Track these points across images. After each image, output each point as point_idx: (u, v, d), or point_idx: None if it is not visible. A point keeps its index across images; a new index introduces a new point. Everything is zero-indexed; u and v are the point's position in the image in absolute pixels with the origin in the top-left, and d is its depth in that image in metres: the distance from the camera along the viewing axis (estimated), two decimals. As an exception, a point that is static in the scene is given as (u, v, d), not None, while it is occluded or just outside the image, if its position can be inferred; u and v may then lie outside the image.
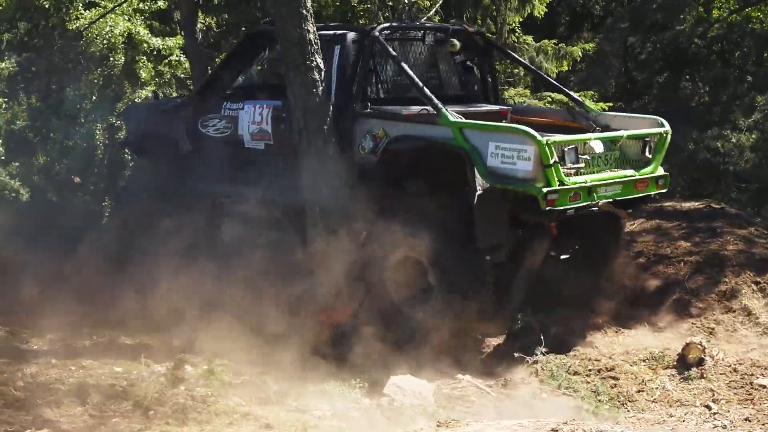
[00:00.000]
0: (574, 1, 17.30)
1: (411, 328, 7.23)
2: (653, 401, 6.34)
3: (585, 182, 6.99)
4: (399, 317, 7.36)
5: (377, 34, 7.69)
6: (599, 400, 6.29)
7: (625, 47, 17.23)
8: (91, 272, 8.54)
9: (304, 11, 7.32)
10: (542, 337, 7.18)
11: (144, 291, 7.87)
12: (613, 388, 6.51)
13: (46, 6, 11.16)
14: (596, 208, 7.22)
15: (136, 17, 11.65)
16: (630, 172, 7.42)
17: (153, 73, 11.24)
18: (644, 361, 6.93)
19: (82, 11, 11.07)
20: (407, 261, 7.40)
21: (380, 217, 7.37)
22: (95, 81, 10.87)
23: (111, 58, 10.73)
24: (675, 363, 6.80)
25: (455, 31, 8.54)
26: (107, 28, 10.71)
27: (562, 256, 8.00)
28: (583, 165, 7.00)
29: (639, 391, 6.47)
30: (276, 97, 8.08)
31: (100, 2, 11.45)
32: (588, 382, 6.59)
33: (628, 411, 6.18)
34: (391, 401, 6.05)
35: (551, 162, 6.72)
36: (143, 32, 11.07)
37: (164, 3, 11.95)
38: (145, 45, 11.06)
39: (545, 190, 6.70)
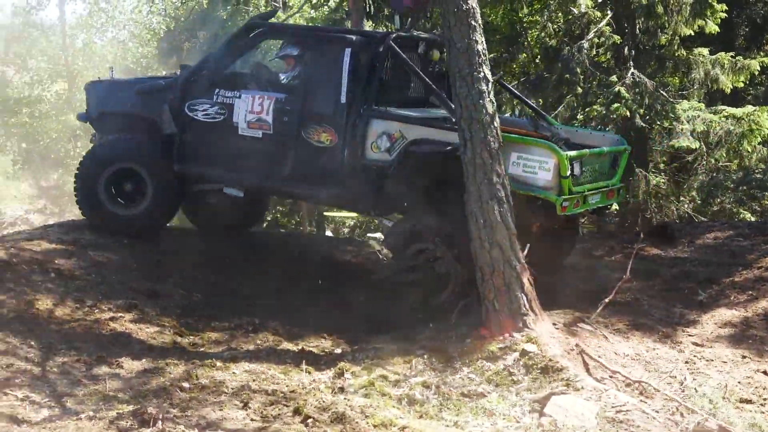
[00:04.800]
0: (755, 12, 16.40)
1: None
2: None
3: (583, 191, 8.03)
4: None
5: (390, 41, 8.44)
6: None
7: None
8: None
9: (473, 22, 7.20)
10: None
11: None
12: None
13: (224, 17, 11.73)
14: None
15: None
16: (604, 183, 8.51)
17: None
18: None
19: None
20: None
21: None
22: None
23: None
24: None
25: (442, 42, 8.76)
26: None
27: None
28: (583, 176, 8.11)
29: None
30: (279, 90, 8.76)
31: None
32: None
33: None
34: (552, 422, 5.82)
35: (567, 174, 7.71)
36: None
37: (338, 12, 12.25)
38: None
39: (561, 198, 7.72)
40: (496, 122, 7.30)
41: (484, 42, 7.31)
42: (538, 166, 7.73)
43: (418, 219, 8.21)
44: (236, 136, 8.85)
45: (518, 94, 10.05)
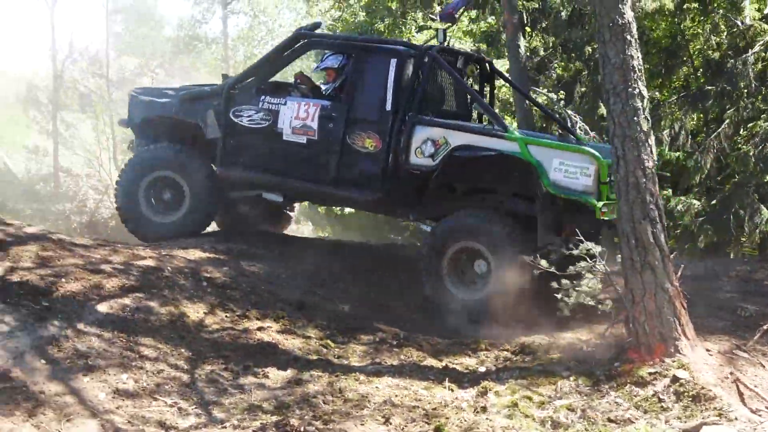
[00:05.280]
0: None
1: None
2: None
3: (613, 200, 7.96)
4: None
5: (435, 53, 8.99)
6: None
7: None
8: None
9: (628, 36, 6.99)
10: None
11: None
12: None
13: (382, 29, 12.01)
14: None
15: (466, 39, 12.12)
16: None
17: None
18: None
19: (414, 33, 11.74)
20: None
21: None
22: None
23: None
24: None
25: (478, 58, 10.23)
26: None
27: None
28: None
29: None
30: (323, 98, 9.30)
31: (429, 25, 12.06)
32: None
33: None
34: (704, 451, 5.58)
35: (607, 180, 8.16)
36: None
37: (493, 24, 12.37)
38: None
39: (600, 203, 8.18)
40: (651, 140, 7.07)
41: (639, 57, 7.09)
42: (580, 172, 8.24)
43: (460, 219, 8.67)
44: (280, 141, 9.21)
45: (546, 109, 10.97)
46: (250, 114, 9.42)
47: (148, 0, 44.68)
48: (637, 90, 7.01)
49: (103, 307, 7.00)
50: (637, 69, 7.02)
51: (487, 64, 10.21)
